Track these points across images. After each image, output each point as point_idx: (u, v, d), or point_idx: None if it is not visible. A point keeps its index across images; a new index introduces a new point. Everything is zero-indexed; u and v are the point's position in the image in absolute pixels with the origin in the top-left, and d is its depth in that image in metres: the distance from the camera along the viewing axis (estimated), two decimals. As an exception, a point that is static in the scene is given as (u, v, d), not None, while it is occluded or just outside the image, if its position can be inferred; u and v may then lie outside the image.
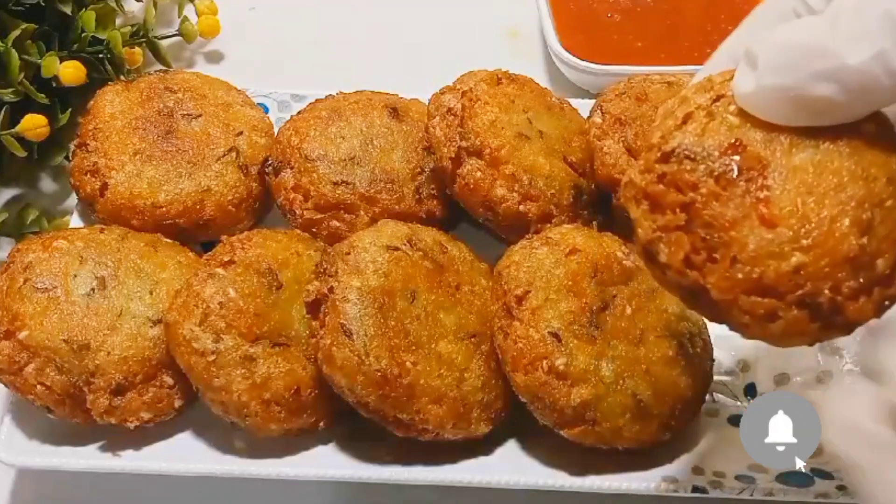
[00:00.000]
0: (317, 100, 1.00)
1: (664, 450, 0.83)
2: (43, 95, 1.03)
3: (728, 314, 0.53)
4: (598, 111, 0.95)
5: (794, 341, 0.53)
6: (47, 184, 1.13)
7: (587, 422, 0.79)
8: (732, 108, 0.54)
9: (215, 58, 1.26)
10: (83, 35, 1.09)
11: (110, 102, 0.97)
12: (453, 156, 0.89)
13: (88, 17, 1.09)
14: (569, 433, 0.79)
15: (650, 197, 0.54)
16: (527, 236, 0.87)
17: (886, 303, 0.53)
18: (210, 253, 0.86)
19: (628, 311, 0.83)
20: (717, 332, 0.72)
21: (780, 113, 0.52)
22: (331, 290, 0.80)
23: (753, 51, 0.52)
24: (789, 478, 0.80)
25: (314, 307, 0.81)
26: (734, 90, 0.54)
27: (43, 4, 1.07)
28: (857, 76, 0.49)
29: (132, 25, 1.17)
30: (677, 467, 0.83)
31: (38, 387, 0.81)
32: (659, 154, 0.54)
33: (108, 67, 1.11)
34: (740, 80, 0.53)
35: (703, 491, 0.80)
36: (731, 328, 0.54)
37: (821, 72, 0.49)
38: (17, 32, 1.01)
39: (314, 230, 0.92)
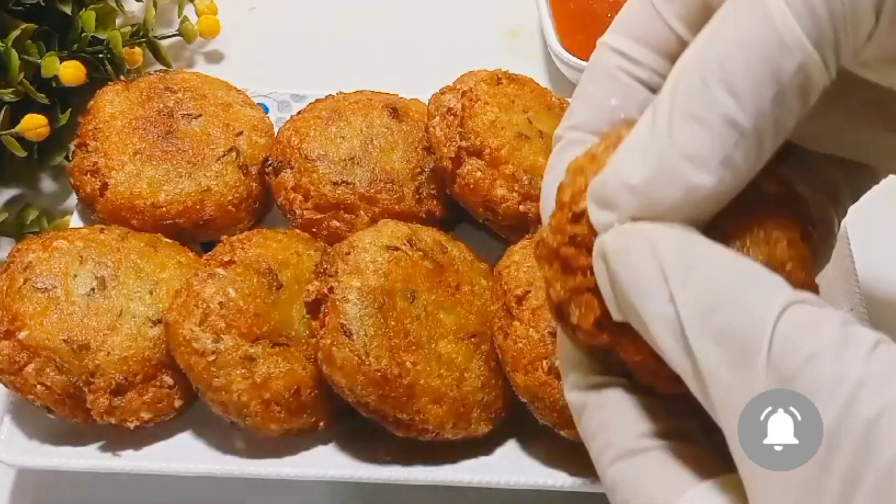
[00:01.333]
0: (317, 100, 1.00)
1: (664, 450, 0.83)
2: (43, 95, 1.03)
3: (635, 372, 0.52)
4: (598, 111, 0.96)
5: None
6: (47, 184, 1.13)
7: (587, 422, 0.79)
8: None
9: (215, 58, 1.26)
10: (83, 35, 1.09)
11: (110, 102, 0.97)
12: (453, 156, 0.89)
13: (88, 17, 1.09)
14: (569, 433, 0.79)
15: (561, 258, 0.52)
16: (527, 236, 0.87)
17: None
18: (210, 253, 0.86)
19: (628, 311, 0.83)
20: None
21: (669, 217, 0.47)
22: (331, 290, 0.80)
23: (606, 196, 0.48)
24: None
25: (314, 307, 0.81)
26: (598, 229, 0.49)
27: (43, 4, 1.07)
28: (711, 194, 0.46)
29: (132, 25, 1.17)
30: (677, 467, 0.83)
31: (38, 387, 0.81)
32: (570, 215, 0.52)
33: (108, 67, 1.11)
34: (605, 229, 0.48)
35: (703, 491, 0.80)
36: (637, 379, 0.54)
37: (680, 196, 0.46)
38: (17, 32, 1.01)
39: (314, 230, 0.92)
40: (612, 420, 0.52)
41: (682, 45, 0.53)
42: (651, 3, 0.54)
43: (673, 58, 0.51)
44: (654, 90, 0.56)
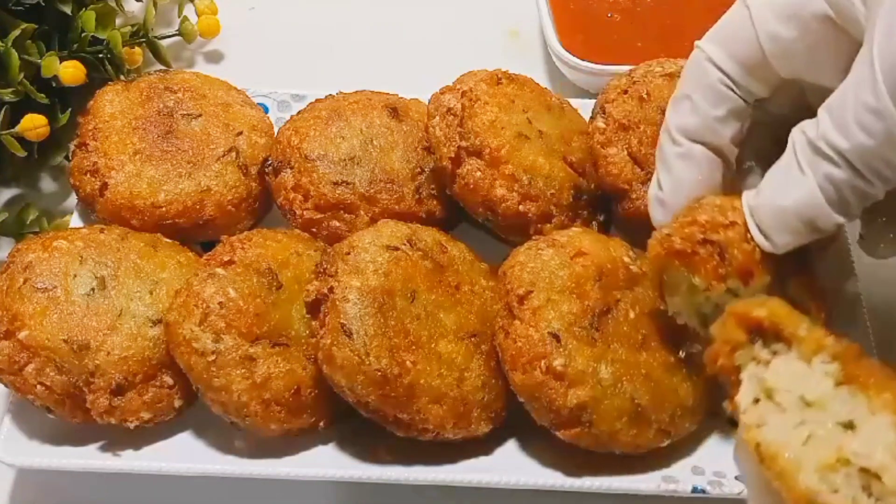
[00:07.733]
0: (317, 100, 1.00)
1: (664, 450, 0.83)
2: (43, 95, 1.03)
3: None
4: (601, 114, 0.94)
5: None
6: (47, 184, 1.13)
7: (583, 424, 0.79)
8: None
9: (215, 58, 1.27)
10: (83, 35, 1.09)
11: (110, 102, 0.97)
12: (453, 156, 0.89)
13: (88, 17, 1.09)
14: (565, 434, 0.79)
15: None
16: (533, 237, 0.86)
17: None
18: (210, 253, 0.86)
19: (631, 315, 0.82)
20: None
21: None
22: (331, 290, 0.80)
23: (757, 212, 0.73)
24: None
25: (314, 307, 0.81)
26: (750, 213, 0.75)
27: (43, 4, 1.07)
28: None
29: (132, 25, 1.17)
30: (677, 467, 0.83)
31: (38, 387, 0.81)
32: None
33: (108, 67, 1.11)
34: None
35: (703, 491, 0.80)
36: None
37: (809, 224, 0.70)
38: (17, 32, 1.01)
39: (314, 230, 0.92)
40: None
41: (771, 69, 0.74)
42: (758, 40, 0.73)
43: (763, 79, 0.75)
44: (747, 102, 0.77)
